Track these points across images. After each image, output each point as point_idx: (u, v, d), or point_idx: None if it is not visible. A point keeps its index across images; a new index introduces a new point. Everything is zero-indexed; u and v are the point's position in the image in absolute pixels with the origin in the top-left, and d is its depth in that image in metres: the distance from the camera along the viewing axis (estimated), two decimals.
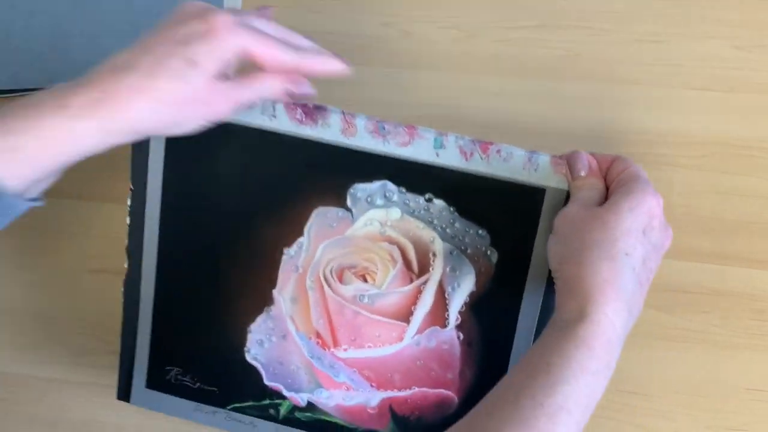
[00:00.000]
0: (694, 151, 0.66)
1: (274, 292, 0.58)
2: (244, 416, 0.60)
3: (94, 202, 0.73)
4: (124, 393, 0.64)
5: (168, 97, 0.47)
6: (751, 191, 0.64)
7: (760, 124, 0.65)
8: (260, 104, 0.55)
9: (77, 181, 0.73)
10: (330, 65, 0.52)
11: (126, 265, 0.61)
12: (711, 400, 0.62)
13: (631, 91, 0.68)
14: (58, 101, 0.47)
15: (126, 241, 0.61)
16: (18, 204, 0.48)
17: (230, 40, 0.48)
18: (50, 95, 0.48)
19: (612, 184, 0.53)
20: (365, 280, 0.56)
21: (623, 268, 0.48)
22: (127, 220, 0.60)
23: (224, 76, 0.50)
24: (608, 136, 0.67)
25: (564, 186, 0.53)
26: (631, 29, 0.69)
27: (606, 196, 0.53)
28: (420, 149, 0.54)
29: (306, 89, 0.52)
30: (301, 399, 0.59)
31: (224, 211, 0.58)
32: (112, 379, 0.68)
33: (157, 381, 0.62)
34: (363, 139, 0.54)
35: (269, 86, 0.51)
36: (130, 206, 0.60)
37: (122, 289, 0.62)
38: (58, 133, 0.46)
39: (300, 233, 0.57)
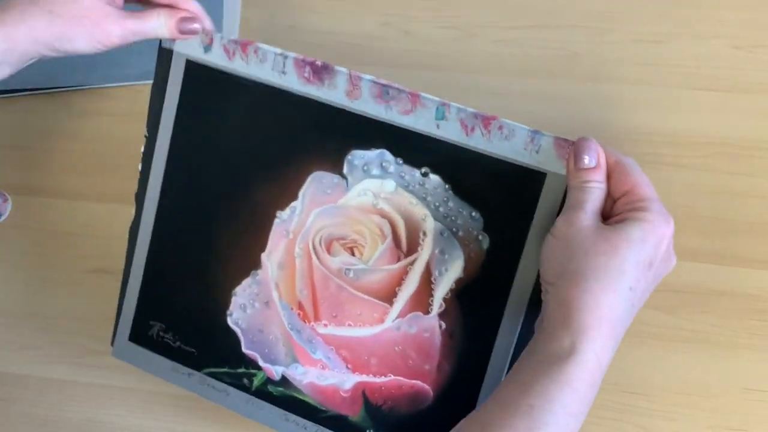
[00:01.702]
0: (694, 151, 0.66)
1: (263, 256, 0.58)
2: (218, 383, 0.60)
3: (94, 202, 0.73)
4: (113, 341, 0.65)
5: (60, 10, 0.54)
6: (751, 191, 0.64)
7: (760, 124, 0.65)
8: (156, 37, 0.58)
9: (77, 181, 0.73)
10: (204, 18, 0.58)
11: (133, 211, 0.62)
12: (711, 400, 0.62)
13: (631, 91, 0.68)
14: None
15: (136, 189, 0.62)
16: None
17: None
18: None
19: (620, 199, 0.49)
20: (353, 254, 0.55)
21: (624, 303, 0.46)
22: (139, 167, 0.61)
23: (116, 5, 0.56)
24: (608, 136, 0.67)
25: (565, 171, 0.50)
26: (631, 29, 0.69)
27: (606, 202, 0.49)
28: (421, 119, 0.53)
29: (196, 25, 0.57)
30: (275, 371, 0.59)
31: (225, 165, 0.58)
32: (112, 379, 0.68)
33: (139, 334, 0.62)
34: (366, 103, 0.54)
35: (160, 19, 0.56)
36: (143, 153, 0.61)
37: (128, 235, 0.63)
38: None
39: (294, 197, 0.57)
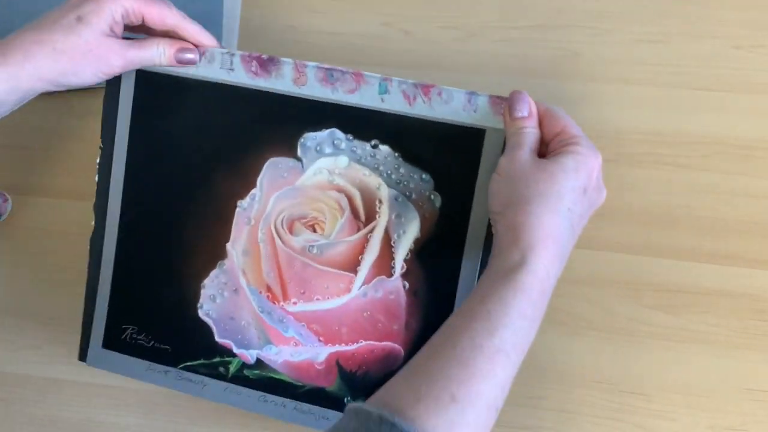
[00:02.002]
0: (694, 151, 0.66)
1: (228, 245, 0.60)
2: (195, 375, 0.62)
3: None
4: (83, 354, 0.65)
5: (63, 47, 0.55)
6: (751, 191, 0.64)
7: (760, 124, 0.65)
8: (157, 64, 0.60)
9: (77, 181, 0.73)
10: (203, 37, 0.59)
11: (92, 223, 0.63)
12: (711, 400, 0.62)
13: (631, 91, 0.68)
14: None
15: (94, 200, 0.63)
16: None
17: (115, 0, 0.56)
18: None
19: (553, 140, 0.54)
20: (314, 231, 0.59)
21: (564, 223, 0.51)
22: (96, 179, 0.63)
23: (116, 36, 0.57)
24: (608, 136, 0.67)
25: (502, 125, 0.55)
26: (631, 29, 0.69)
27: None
28: (366, 96, 0.57)
29: (192, 55, 0.59)
30: (250, 356, 0.60)
31: (184, 165, 0.61)
32: (112, 379, 0.68)
33: (113, 340, 0.63)
34: (313, 88, 0.58)
35: (160, 48, 0.59)
36: (99, 164, 0.63)
37: (88, 248, 0.64)
38: None
39: (253, 185, 0.59)
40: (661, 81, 0.67)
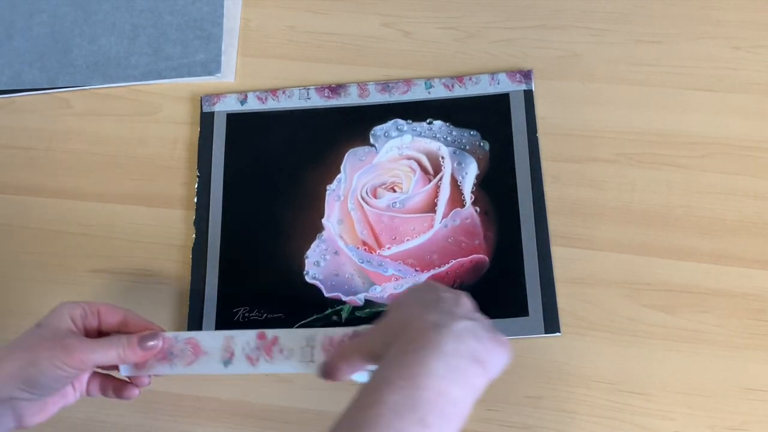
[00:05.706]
0: (694, 151, 0.66)
1: (323, 220, 0.70)
2: (312, 330, 0.66)
3: (94, 202, 0.73)
4: None
5: (24, 345, 0.56)
6: (751, 191, 0.64)
7: (760, 124, 0.66)
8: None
9: (77, 181, 0.74)
10: (149, 324, 0.59)
11: (193, 236, 0.70)
12: (711, 400, 0.61)
13: (631, 91, 0.68)
14: None
15: (193, 217, 0.71)
16: None
17: None
18: None
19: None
20: (394, 191, 0.70)
21: None
22: (195, 200, 0.71)
23: (78, 334, 0.57)
24: (608, 137, 0.67)
25: (520, 88, 0.70)
26: (631, 29, 0.69)
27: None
28: (416, 93, 0.72)
29: (154, 341, 0.58)
30: (358, 299, 0.68)
31: (276, 171, 0.72)
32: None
33: (226, 324, 0.69)
34: (374, 97, 0.73)
35: (122, 341, 0.57)
36: (197, 189, 0.72)
37: (191, 257, 0.70)
38: None
39: (338, 172, 0.71)
40: (660, 81, 0.68)
